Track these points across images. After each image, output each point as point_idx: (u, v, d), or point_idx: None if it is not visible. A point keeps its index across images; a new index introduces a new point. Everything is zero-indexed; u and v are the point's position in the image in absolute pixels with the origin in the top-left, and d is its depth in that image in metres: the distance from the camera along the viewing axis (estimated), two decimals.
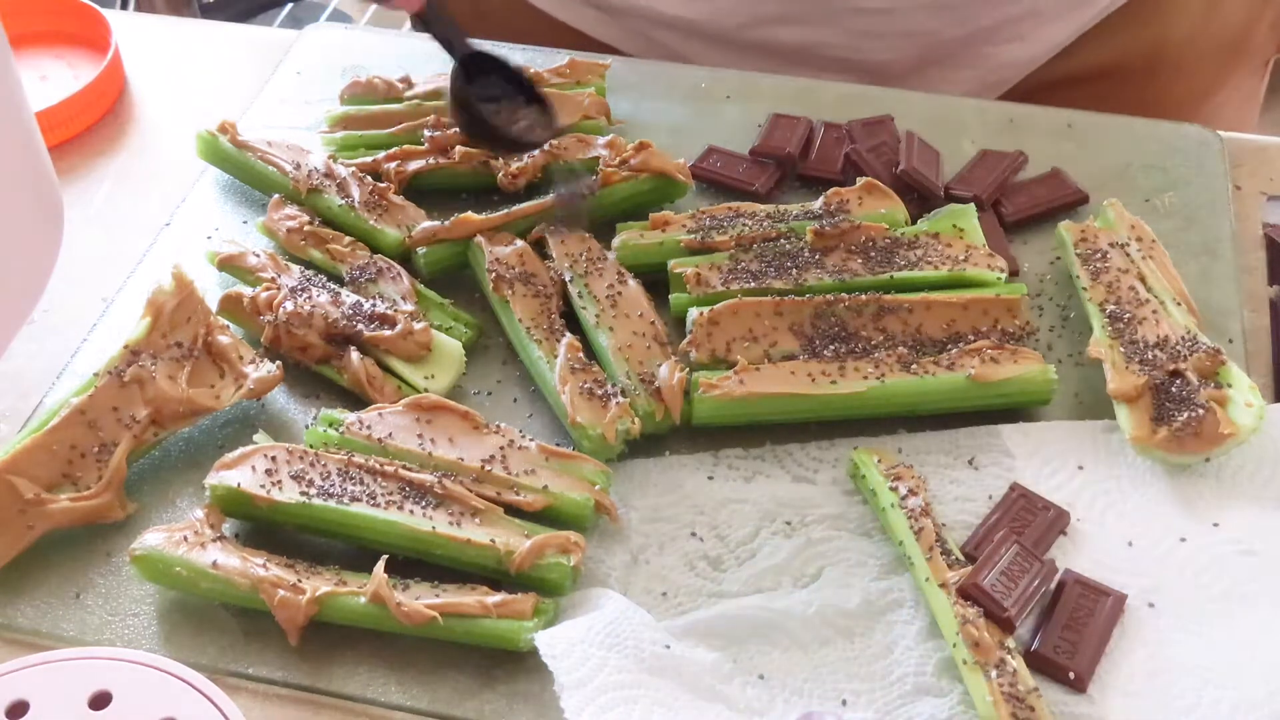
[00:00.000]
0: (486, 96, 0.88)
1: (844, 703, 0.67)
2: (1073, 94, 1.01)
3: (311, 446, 0.75)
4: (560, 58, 1.01)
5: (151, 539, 0.71)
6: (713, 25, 1.04)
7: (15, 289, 0.60)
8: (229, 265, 0.87)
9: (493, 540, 0.70)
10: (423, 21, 0.87)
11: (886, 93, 1.01)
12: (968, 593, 0.68)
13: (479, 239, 0.86)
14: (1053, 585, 0.70)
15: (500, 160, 0.92)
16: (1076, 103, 0.99)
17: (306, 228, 0.88)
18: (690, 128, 0.98)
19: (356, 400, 0.80)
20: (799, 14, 1.01)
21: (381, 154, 0.93)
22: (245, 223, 0.93)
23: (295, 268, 0.86)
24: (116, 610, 0.72)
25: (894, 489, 0.73)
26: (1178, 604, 0.70)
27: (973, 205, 0.88)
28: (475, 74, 0.87)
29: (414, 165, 0.92)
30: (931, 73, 1.04)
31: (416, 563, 0.71)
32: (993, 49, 1.02)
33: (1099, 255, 0.85)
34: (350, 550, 0.73)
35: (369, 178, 0.91)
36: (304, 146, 0.94)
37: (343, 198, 0.90)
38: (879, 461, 0.75)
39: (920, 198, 0.91)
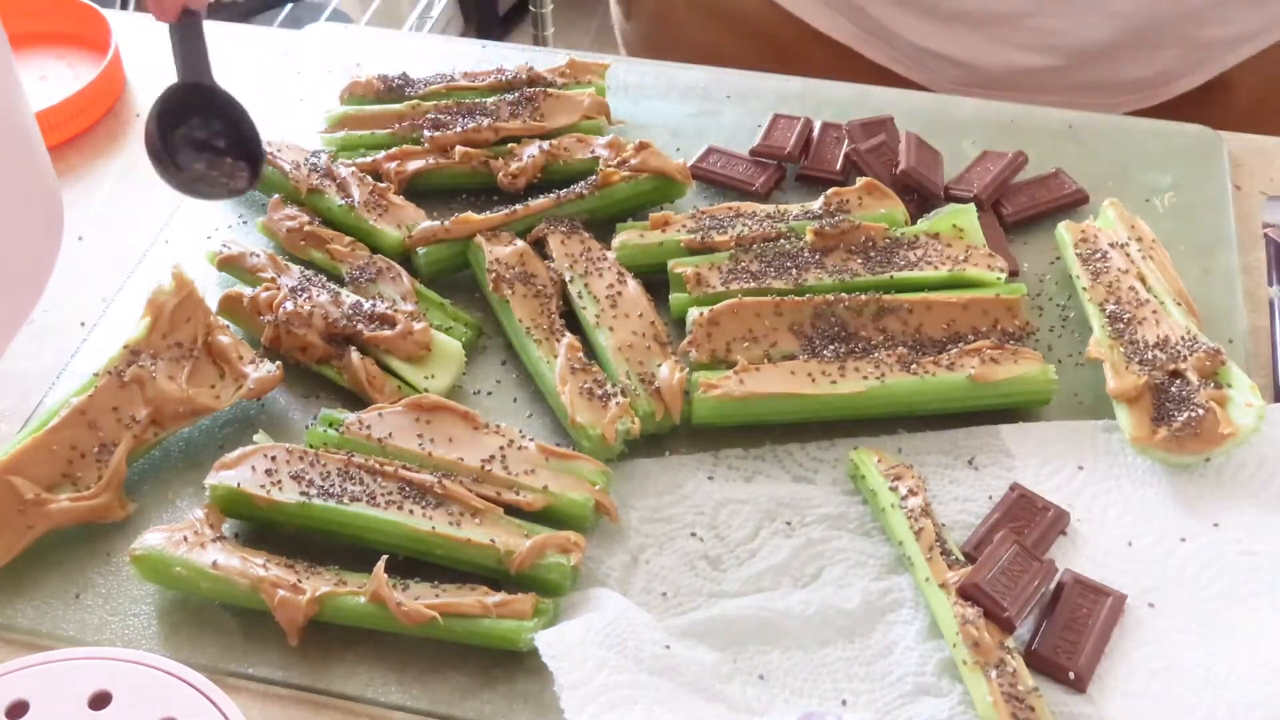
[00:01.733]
0: (193, 137, 0.82)
1: (844, 703, 0.67)
2: (1241, 95, 1.03)
3: (311, 446, 0.75)
4: (560, 57, 1.01)
5: (151, 539, 0.71)
6: None
7: (15, 289, 0.61)
8: (229, 265, 0.87)
9: (493, 540, 0.70)
10: (175, 33, 0.82)
11: (886, 93, 1.01)
12: (968, 593, 0.68)
13: (479, 239, 0.87)
14: (1053, 585, 0.70)
15: (500, 160, 0.92)
16: (1247, 106, 1.01)
17: (306, 228, 0.88)
18: (690, 128, 0.99)
19: (356, 400, 0.80)
20: None
21: (381, 154, 0.93)
22: (245, 223, 0.93)
23: (295, 268, 0.86)
24: (116, 610, 0.72)
25: (894, 489, 0.73)
26: (1178, 604, 0.70)
27: (973, 205, 0.88)
28: (196, 107, 0.82)
29: (414, 165, 0.92)
30: (1131, 51, 1.03)
31: (416, 563, 0.71)
32: (1197, 31, 1.01)
33: (1099, 255, 0.85)
34: (350, 550, 0.73)
35: (369, 178, 0.91)
36: (304, 146, 0.94)
37: (343, 198, 0.90)
38: (879, 461, 0.75)
39: (920, 198, 0.91)
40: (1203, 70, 1.04)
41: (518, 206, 0.89)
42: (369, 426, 0.76)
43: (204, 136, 0.82)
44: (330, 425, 0.77)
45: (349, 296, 0.83)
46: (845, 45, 1.07)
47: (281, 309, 0.81)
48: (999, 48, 1.02)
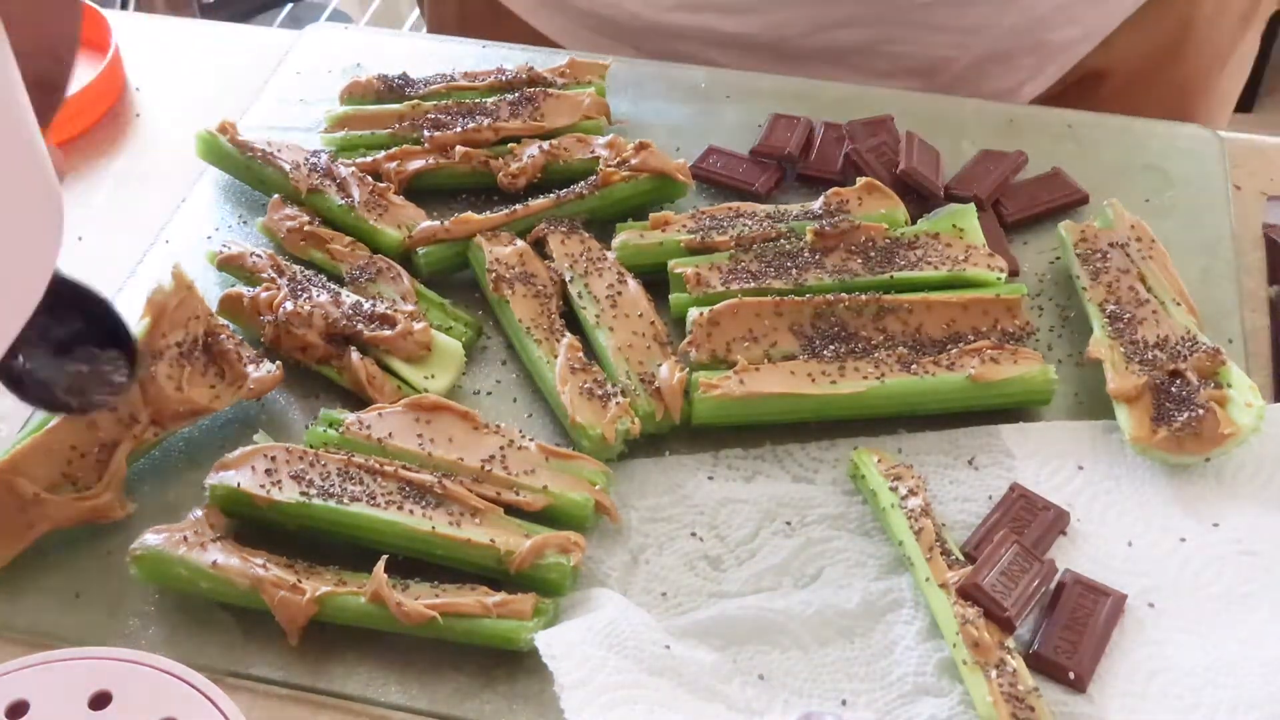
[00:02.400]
0: (56, 338, 0.64)
1: (844, 703, 0.67)
2: (1110, 84, 1.02)
3: (311, 446, 0.75)
4: (560, 57, 1.01)
5: (151, 539, 0.71)
6: (772, 36, 1.03)
7: (15, 288, 0.60)
8: (229, 265, 0.87)
9: (493, 540, 0.70)
10: None
11: (886, 93, 1.01)
12: (968, 593, 0.68)
13: (479, 239, 0.87)
14: (1053, 585, 0.70)
15: (500, 160, 0.92)
16: (1116, 92, 1.00)
17: (306, 228, 0.88)
18: (690, 128, 0.99)
19: (356, 400, 0.80)
20: (865, 15, 1.00)
21: (381, 154, 0.93)
22: (245, 223, 0.93)
23: (295, 268, 0.86)
24: (116, 610, 0.72)
25: (894, 489, 0.73)
26: (1178, 604, 0.70)
27: (973, 205, 0.88)
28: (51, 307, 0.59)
29: (414, 165, 0.92)
30: (989, 66, 1.04)
31: (416, 563, 0.71)
32: (1048, 35, 1.02)
33: (1099, 255, 0.85)
34: (350, 550, 0.73)
35: (369, 178, 0.91)
36: (304, 146, 0.94)
37: (343, 198, 0.90)
38: (879, 461, 0.75)
39: (920, 198, 0.91)
40: (1056, 68, 1.05)
41: (518, 206, 0.89)
42: (369, 426, 0.76)
43: (61, 337, 0.64)
44: (330, 425, 0.77)
45: (349, 296, 0.83)
46: None
47: (281, 309, 0.81)
48: (856, 75, 1.04)
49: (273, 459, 0.74)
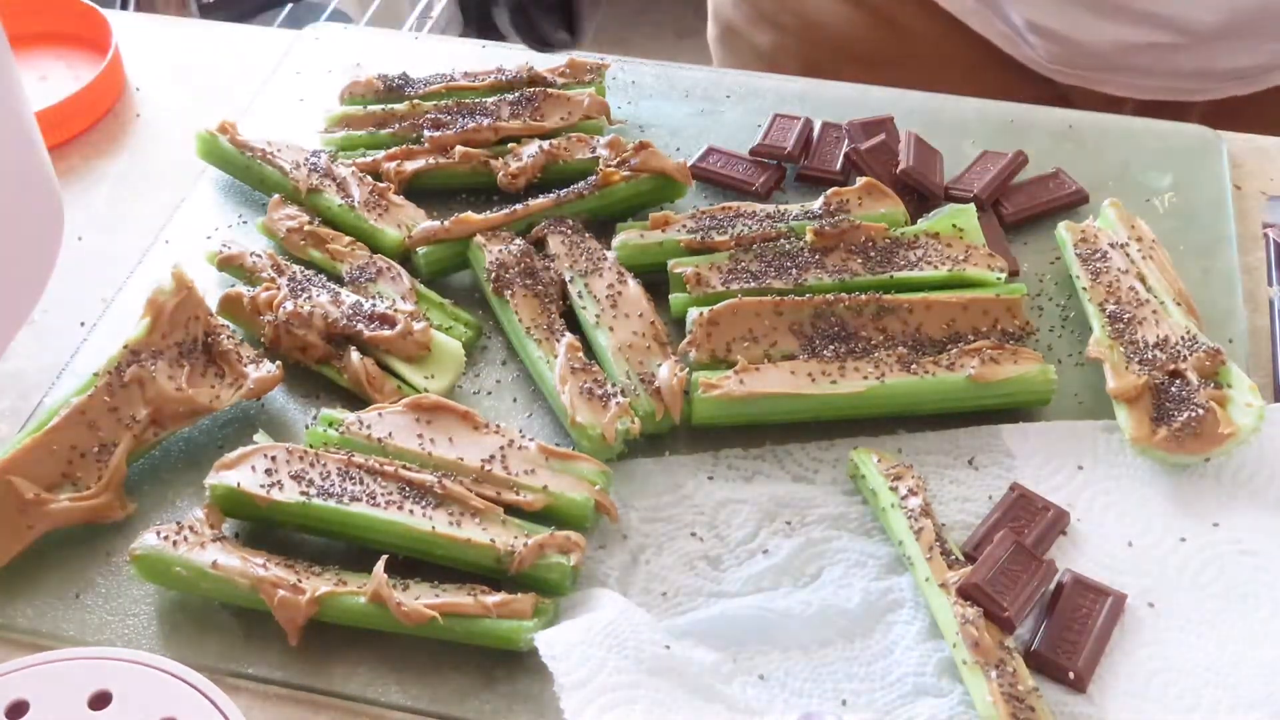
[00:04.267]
0: None
1: (844, 703, 0.67)
2: None
3: (311, 446, 0.75)
4: (560, 57, 1.01)
5: (151, 539, 0.71)
6: None
7: (15, 289, 0.61)
8: (229, 265, 0.87)
9: (493, 540, 0.70)
10: None
11: (886, 92, 1.01)
12: (968, 593, 0.68)
13: (479, 239, 0.87)
14: (1053, 585, 0.70)
15: (500, 160, 0.92)
16: None
17: (306, 228, 0.88)
18: (690, 128, 0.99)
19: (356, 400, 0.80)
20: None
21: (381, 154, 0.93)
22: (245, 222, 0.93)
23: (295, 268, 0.86)
24: (116, 610, 0.72)
25: (894, 489, 0.73)
26: (1178, 604, 0.70)
27: (973, 205, 0.88)
28: None
29: (414, 165, 0.92)
30: (1238, 40, 1.03)
31: (416, 563, 0.71)
32: None
33: (1099, 255, 0.85)
34: (350, 550, 0.73)
35: (369, 178, 0.91)
36: (304, 146, 0.94)
37: (343, 198, 0.90)
38: (879, 461, 0.75)
39: (920, 198, 0.91)
40: None
41: (518, 206, 0.89)
42: (369, 426, 0.76)
43: None
44: (330, 425, 0.77)
45: (349, 296, 0.83)
46: (953, 16, 1.07)
47: (281, 309, 0.81)
48: (1107, 25, 1.02)
49: (273, 459, 0.74)
